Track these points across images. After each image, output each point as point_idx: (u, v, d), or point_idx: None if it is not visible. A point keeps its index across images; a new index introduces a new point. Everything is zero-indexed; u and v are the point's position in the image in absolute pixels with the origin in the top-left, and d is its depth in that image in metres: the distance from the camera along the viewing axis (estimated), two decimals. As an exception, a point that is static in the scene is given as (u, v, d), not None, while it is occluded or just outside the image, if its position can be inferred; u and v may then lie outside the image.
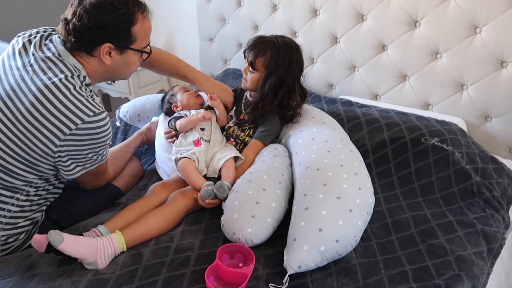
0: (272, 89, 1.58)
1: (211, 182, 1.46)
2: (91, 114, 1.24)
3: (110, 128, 1.32)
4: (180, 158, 1.54)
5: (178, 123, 1.65)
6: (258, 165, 1.48)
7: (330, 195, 1.24)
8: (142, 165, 1.81)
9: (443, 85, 1.94)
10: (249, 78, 1.63)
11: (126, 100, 3.08)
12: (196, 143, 1.60)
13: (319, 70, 2.29)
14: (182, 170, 1.51)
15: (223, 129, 1.75)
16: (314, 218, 1.19)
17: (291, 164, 1.54)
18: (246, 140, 1.67)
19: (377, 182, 1.63)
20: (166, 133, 1.73)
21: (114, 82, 2.93)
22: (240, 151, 1.64)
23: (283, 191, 1.40)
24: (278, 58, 1.54)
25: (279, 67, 1.55)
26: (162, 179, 1.71)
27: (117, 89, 2.99)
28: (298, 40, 2.29)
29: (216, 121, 1.71)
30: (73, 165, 1.31)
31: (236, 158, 1.57)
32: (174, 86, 1.90)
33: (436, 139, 1.67)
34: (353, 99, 2.10)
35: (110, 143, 1.38)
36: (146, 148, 1.94)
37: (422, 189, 1.59)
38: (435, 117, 1.85)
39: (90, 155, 1.32)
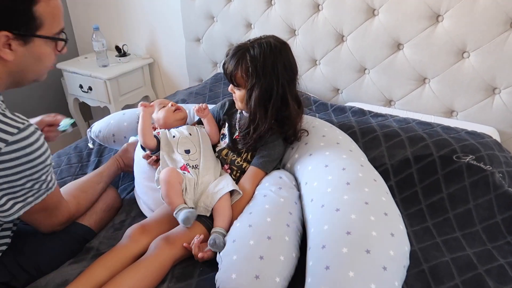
0: (258, 104, 1.28)
1: (192, 210, 1.18)
2: (15, 131, 0.93)
3: (45, 144, 1.00)
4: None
5: (139, 139, 1.37)
6: (260, 202, 1.19)
7: (357, 248, 0.95)
8: (119, 195, 1.51)
9: (470, 89, 1.66)
10: (238, 97, 1.35)
11: (106, 110, 2.76)
12: (183, 170, 1.31)
13: (322, 73, 2.00)
14: (164, 180, 1.23)
15: (214, 150, 1.46)
16: (339, 282, 0.90)
17: (299, 197, 1.25)
18: (243, 166, 1.38)
19: (403, 211, 1.35)
20: (144, 157, 1.43)
21: (90, 89, 2.61)
22: (237, 180, 1.35)
23: (293, 236, 1.11)
24: (257, 66, 1.25)
25: (261, 77, 1.25)
26: (142, 214, 1.41)
27: (94, 97, 2.68)
28: (298, 40, 2.00)
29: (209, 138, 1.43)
30: (10, 202, 1.00)
31: (232, 192, 1.28)
32: (151, 102, 1.60)
33: (470, 156, 1.39)
34: (365, 106, 1.82)
35: (52, 163, 1.05)
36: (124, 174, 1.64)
37: (458, 219, 1.31)
38: (463, 127, 1.58)
39: (28, 185, 1.00)
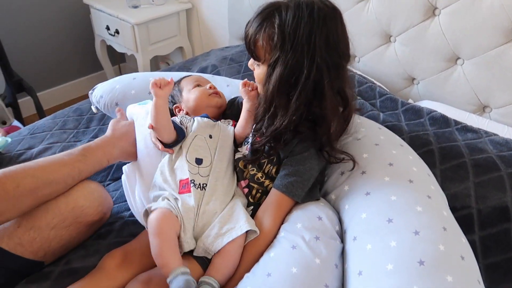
0: (278, 88, 0.89)
1: (187, 271, 0.82)
2: None
3: None
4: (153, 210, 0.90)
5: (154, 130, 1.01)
6: (285, 258, 0.80)
7: None
8: (107, 193, 1.08)
9: None
10: (256, 77, 0.97)
11: (133, 58, 2.42)
12: (184, 186, 0.95)
13: (397, 54, 1.50)
14: (155, 231, 0.86)
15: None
16: None
17: (342, 253, 0.86)
18: (266, 184, 0.99)
19: (487, 282, 0.93)
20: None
21: (117, 32, 2.26)
22: (257, 203, 0.97)
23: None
24: (285, 33, 0.86)
25: (288, 50, 0.86)
26: (135, 221, 1.09)
27: (121, 43, 2.33)
28: (371, 4, 1.49)
29: (233, 139, 1.05)
30: None
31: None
32: (184, 77, 1.22)
33: None
34: (449, 111, 1.34)
35: None
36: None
37: None
38: None
39: None
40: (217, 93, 1.13)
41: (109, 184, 1.24)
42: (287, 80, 0.88)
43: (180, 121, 1.04)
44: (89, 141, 1.33)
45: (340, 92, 0.94)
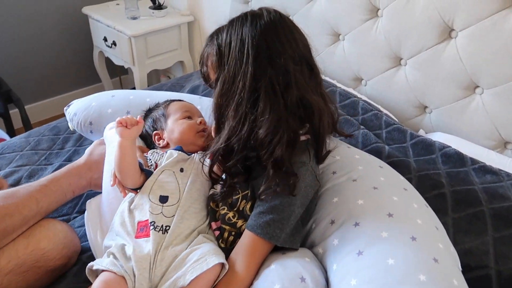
0: (217, 103, 0.82)
1: None
2: None
3: None
4: (101, 271, 0.76)
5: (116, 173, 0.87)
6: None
7: None
8: (75, 235, 0.96)
9: None
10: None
11: (130, 72, 2.31)
12: (141, 229, 0.80)
13: (407, 79, 1.34)
14: None
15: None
16: None
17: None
18: (238, 225, 0.84)
19: None
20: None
21: (114, 44, 2.16)
22: (230, 248, 0.82)
23: None
24: (221, 48, 0.82)
25: (226, 62, 0.81)
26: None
27: (118, 55, 2.22)
28: (381, 23, 1.35)
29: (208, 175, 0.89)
30: None
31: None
32: (171, 101, 1.09)
33: None
34: (465, 146, 1.18)
35: None
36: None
37: None
38: None
39: None
40: (205, 131, 0.99)
41: (76, 217, 1.10)
42: (225, 93, 0.80)
43: (149, 160, 0.91)
44: (60, 165, 1.22)
45: (301, 101, 0.80)
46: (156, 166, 0.89)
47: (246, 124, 0.78)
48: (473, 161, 1.08)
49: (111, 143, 1.02)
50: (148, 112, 1.10)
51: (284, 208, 0.77)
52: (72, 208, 1.14)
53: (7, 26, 2.20)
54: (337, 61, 1.54)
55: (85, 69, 2.58)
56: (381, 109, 1.33)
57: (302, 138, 0.84)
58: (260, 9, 0.84)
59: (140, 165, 0.87)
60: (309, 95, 0.80)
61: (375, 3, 1.35)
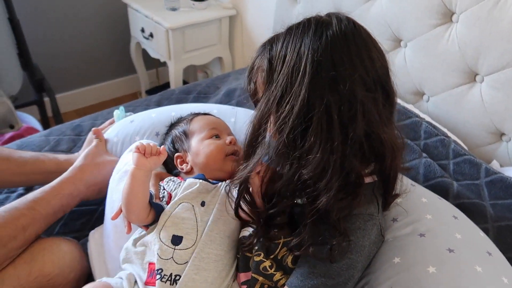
0: (259, 118, 0.65)
1: None
2: None
3: None
4: None
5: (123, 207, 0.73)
6: None
7: None
8: (83, 255, 0.86)
9: None
10: None
11: (165, 66, 2.19)
12: (151, 274, 0.66)
13: (482, 98, 1.12)
14: None
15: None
16: None
17: None
18: (276, 279, 0.67)
19: None
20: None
21: (151, 36, 2.04)
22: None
23: None
24: (273, 63, 0.65)
25: (279, 72, 0.63)
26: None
27: (155, 47, 2.10)
28: (457, 28, 1.13)
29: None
30: None
31: None
32: (195, 115, 0.94)
33: None
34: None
35: None
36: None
37: None
38: None
39: None
40: (236, 153, 0.83)
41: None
42: (266, 114, 0.64)
43: (162, 190, 0.76)
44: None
45: (368, 136, 0.61)
46: (170, 198, 0.74)
47: (288, 160, 0.61)
48: None
49: (123, 168, 0.88)
50: (169, 129, 0.95)
51: (342, 271, 0.60)
52: (85, 223, 1.02)
53: (44, 14, 2.14)
54: (395, 71, 1.32)
55: (121, 60, 2.49)
56: (449, 133, 1.12)
57: (367, 180, 0.66)
58: (329, 15, 0.66)
59: (150, 197, 0.72)
60: (381, 130, 0.61)
61: (450, 5, 1.13)
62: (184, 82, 2.16)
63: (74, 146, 1.23)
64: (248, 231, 0.74)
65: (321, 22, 0.64)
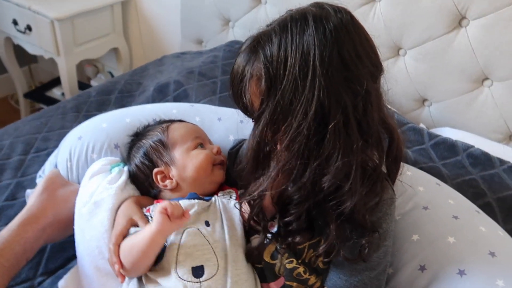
0: (263, 132, 0.59)
1: None
2: None
3: None
4: None
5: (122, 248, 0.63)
6: None
7: None
8: None
9: None
10: None
11: (52, 62, 1.88)
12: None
13: (407, 69, 1.24)
14: None
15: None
16: None
17: None
18: (311, 283, 0.66)
19: None
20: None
21: (29, 29, 1.72)
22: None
23: None
24: (276, 56, 0.57)
25: (284, 77, 0.56)
26: None
27: (35, 42, 1.78)
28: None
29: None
30: None
31: None
32: (171, 122, 0.83)
33: None
34: (471, 139, 1.12)
35: None
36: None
37: None
38: None
39: None
40: (223, 163, 0.77)
41: (42, 282, 0.80)
42: (274, 128, 0.58)
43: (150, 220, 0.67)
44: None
45: (382, 123, 0.62)
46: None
47: (307, 170, 0.57)
48: (501, 162, 1.02)
49: (91, 199, 0.73)
50: (136, 139, 0.82)
51: (380, 259, 0.61)
52: (34, 269, 0.83)
53: None
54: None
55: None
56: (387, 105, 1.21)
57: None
58: (322, 5, 0.60)
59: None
60: (387, 118, 0.62)
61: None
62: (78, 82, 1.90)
63: None
64: (256, 240, 0.69)
65: (319, 16, 0.57)
